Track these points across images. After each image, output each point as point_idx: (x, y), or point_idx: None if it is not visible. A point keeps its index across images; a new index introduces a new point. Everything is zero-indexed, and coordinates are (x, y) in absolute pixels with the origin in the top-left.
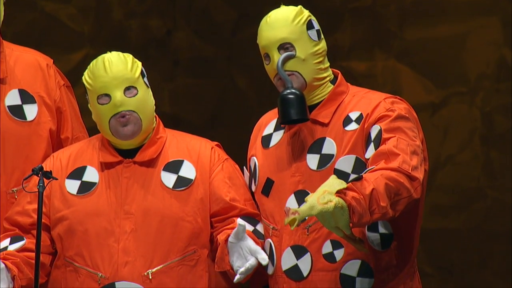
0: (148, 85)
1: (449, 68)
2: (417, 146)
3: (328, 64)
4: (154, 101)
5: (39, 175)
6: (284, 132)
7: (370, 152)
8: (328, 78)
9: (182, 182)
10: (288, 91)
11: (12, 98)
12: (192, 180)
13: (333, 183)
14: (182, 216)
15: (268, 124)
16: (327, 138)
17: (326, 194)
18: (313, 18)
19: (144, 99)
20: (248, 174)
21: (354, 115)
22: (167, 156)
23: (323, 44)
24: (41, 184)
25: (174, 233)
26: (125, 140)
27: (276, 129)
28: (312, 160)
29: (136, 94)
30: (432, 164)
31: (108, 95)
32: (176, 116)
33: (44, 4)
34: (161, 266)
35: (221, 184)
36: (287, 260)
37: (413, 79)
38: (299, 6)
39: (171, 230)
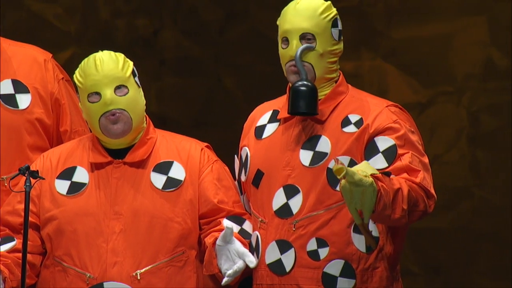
0: (139, 84)
1: (436, 67)
2: (427, 163)
3: (339, 66)
4: (145, 101)
5: (26, 175)
6: (278, 125)
7: (378, 163)
8: (335, 79)
9: (171, 183)
10: (301, 82)
11: (5, 87)
12: (181, 181)
13: (367, 167)
14: (171, 217)
15: (263, 115)
16: (323, 136)
17: (363, 172)
18: (338, 17)
19: (135, 98)
20: (239, 163)
21: (353, 118)
22: (157, 157)
23: (340, 46)
24: (27, 184)
25: (163, 234)
26: (115, 139)
27: (271, 120)
28: (305, 156)
29: (126, 93)
30: None
31: (98, 94)
32: (163, 115)
33: (30, 3)
34: (149, 266)
35: (210, 186)
36: (271, 254)
37: (400, 79)
38: (329, 2)
39: (160, 231)
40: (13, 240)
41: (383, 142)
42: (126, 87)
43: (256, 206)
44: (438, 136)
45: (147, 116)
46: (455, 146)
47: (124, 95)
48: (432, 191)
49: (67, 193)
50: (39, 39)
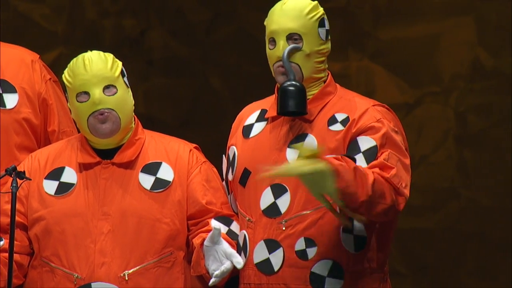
0: (128, 85)
1: (423, 68)
2: (407, 164)
3: (326, 66)
4: (133, 101)
5: (12, 176)
6: (266, 124)
7: (358, 162)
8: (323, 79)
9: (159, 184)
10: (290, 82)
11: None
12: (169, 182)
13: (304, 152)
14: (160, 217)
15: (250, 114)
16: (309, 135)
17: (308, 159)
18: (325, 17)
19: (123, 98)
20: (226, 162)
21: (340, 117)
22: (145, 158)
23: (328, 45)
24: (14, 185)
25: (151, 234)
26: (103, 139)
27: (258, 120)
28: (292, 155)
29: (115, 93)
30: None
31: (87, 93)
32: (150, 116)
33: (17, 3)
34: (137, 267)
35: (198, 187)
36: (259, 253)
37: (387, 79)
38: (316, 2)
39: (148, 232)
40: (1, 240)
41: (365, 142)
42: (115, 87)
43: (243, 205)
44: (425, 136)
45: (135, 117)
46: (442, 146)
47: (113, 94)
48: (404, 190)
49: (55, 194)
50: (25, 39)
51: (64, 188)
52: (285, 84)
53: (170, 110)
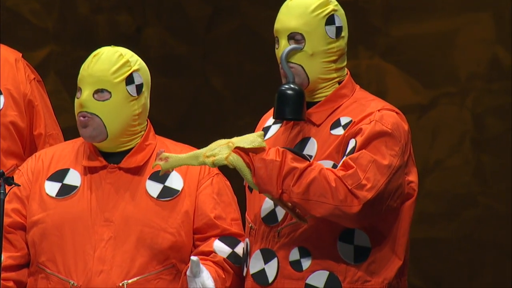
0: (135, 93)
1: (438, 67)
2: (384, 166)
3: (343, 64)
4: (137, 110)
5: (0, 181)
6: (280, 126)
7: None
8: (337, 79)
9: (167, 193)
10: (287, 86)
11: None
12: (178, 191)
13: (249, 139)
14: (165, 227)
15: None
16: (311, 139)
17: (220, 148)
18: (338, 13)
19: (116, 106)
20: None
21: (344, 120)
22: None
23: (340, 43)
24: (1, 191)
25: (154, 244)
26: (87, 141)
27: (276, 121)
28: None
29: (107, 99)
30: (419, 169)
31: (80, 90)
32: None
33: None
34: (137, 277)
35: (207, 199)
36: (256, 263)
37: (399, 79)
38: None
39: (151, 241)
40: None
41: (350, 145)
42: (109, 92)
43: (249, 211)
44: (440, 140)
45: (148, 121)
46: (458, 150)
47: (103, 100)
48: (360, 192)
49: (56, 195)
50: (13, 36)
51: (66, 191)
52: (283, 88)
53: (167, 111)
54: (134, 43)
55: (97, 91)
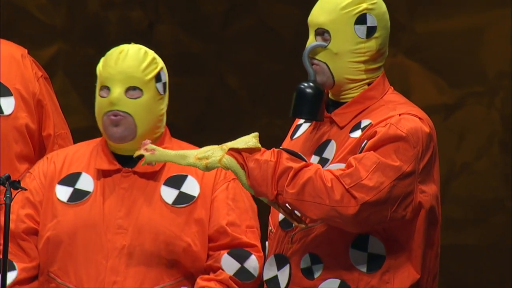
0: (163, 92)
1: (465, 65)
2: (390, 168)
3: (375, 66)
4: (164, 109)
5: (6, 186)
6: (309, 125)
7: None
8: (367, 81)
9: (183, 199)
10: (306, 84)
11: None
12: (194, 197)
13: (243, 140)
14: (180, 235)
15: None
16: (332, 141)
17: (213, 150)
18: (373, 13)
19: (148, 105)
20: None
21: (364, 123)
22: (170, 170)
23: (371, 44)
24: (8, 196)
25: (169, 254)
26: (113, 143)
27: (306, 120)
28: (313, 161)
29: (138, 97)
30: (445, 173)
31: (108, 89)
32: None
33: None
34: None
35: (221, 205)
36: (269, 269)
37: (424, 78)
38: None
39: (166, 251)
40: (13, 268)
41: (361, 147)
42: (141, 90)
43: (272, 213)
44: (467, 142)
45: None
46: (486, 153)
47: (135, 98)
48: (358, 192)
49: (68, 201)
50: (19, 33)
51: (78, 196)
52: (301, 86)
53: (180, 112)
54: (145, 40)
55: (128, 89)
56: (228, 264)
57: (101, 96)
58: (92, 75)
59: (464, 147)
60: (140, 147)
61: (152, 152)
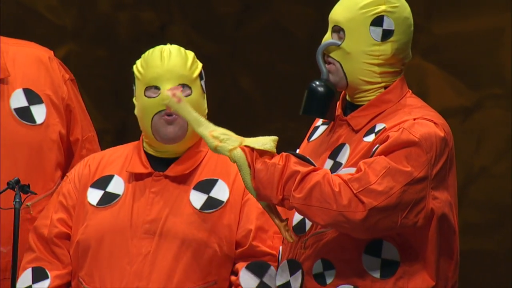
0: (205, 90)
1: (483, 66)
2: (401, 173)
3: (391, 70)
4: (206, 109)
5: (15, 190)
6: (327, 127)
7: None
8: (383, 84)
9: (211, 204)
10: (318, 82)
11: (18, 99)
12: (223, 202)
13: (260, 141)
14: (206, 241)
15: None
16: (346, 145)
17: (230, 137)
18: (391, 16)
19: (197, 103)
20: None
21: (378, 127)
22: (201, 174)
23: (385, 48)
24: (17, 200)
25: (194, 259)
26: (165, 143)
27: (324, 122)
28: (327, 165)
29: (189, 95)
30: (463, 177)
31: (157, 88)
32: None
33: None
34: None
35: (252, 209)
36: (282, 275)
37: (441, 80)
38: None
39: (191, 256)
40: (47, 276)
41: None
42: (190, 88)
43: (289, 217)
44: (485, 145)
45: None
46: (505, 156)
47: (186, 96)
48: (366, 197)
49: (97, 204)
50: (29, 35)
51: (108, 199)
52: (312, 84)
53: None
54: (157, 42)
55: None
56: (247, 280)
57: (149, 97)
58: (103, 77)
59: (482, 150)
60: (171, 89)
61: (178, 100)
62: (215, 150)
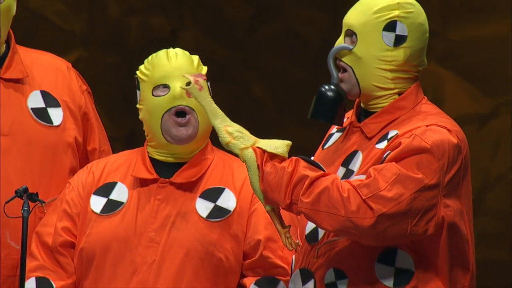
0: (211, 91)
1: (500, 73)
2: (412, 180)
3: (404, 76)
4: None
5: (24, 198)
6: (341, 134)
7: None
8: (396, 91)
9: (218, 213)
10: (328, 87)
11: (35, 100)
12: (230, 211)
13: (274, 144)
14: (212, 251)
15: None
16: (359, 152)
17: (244, 136)
18: (405, 22)
19: None
20: None
21: (391, 134)
22: (207, 182)
23: (397, 54)
24: (25, 208)
25: (199, 269)
26: (176, 144)
27: (338, 129)
28: (340, 173)
29: None
30: (479, 184)
31: (167, 86)
32: None
33: None
34: None
35: (259, 219)
36: (294, 284)
37: (457, 86)
38: (398, 1)
39: (196, 266)
40: (51, 286)
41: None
42: None
43: (300, 225)
44: (502, 152)
45: None
46: None
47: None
48: (375, 203)
49: (100, 212)
50: (38, 40)
51: (111, 207)
52: (322, 88)
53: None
54: (168, 47)
55: (188, 84)
56: None
57: (157, 96)
58: (112, 83)
59: (499, 158)
60: (194, 75)
61: (200, 88)
62: (227, 146)
